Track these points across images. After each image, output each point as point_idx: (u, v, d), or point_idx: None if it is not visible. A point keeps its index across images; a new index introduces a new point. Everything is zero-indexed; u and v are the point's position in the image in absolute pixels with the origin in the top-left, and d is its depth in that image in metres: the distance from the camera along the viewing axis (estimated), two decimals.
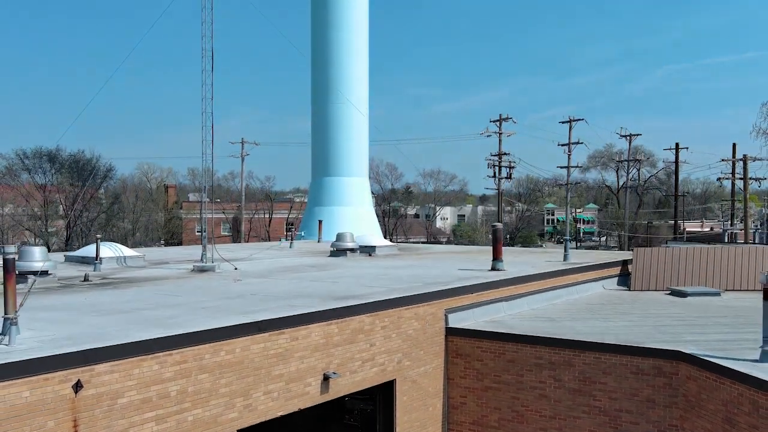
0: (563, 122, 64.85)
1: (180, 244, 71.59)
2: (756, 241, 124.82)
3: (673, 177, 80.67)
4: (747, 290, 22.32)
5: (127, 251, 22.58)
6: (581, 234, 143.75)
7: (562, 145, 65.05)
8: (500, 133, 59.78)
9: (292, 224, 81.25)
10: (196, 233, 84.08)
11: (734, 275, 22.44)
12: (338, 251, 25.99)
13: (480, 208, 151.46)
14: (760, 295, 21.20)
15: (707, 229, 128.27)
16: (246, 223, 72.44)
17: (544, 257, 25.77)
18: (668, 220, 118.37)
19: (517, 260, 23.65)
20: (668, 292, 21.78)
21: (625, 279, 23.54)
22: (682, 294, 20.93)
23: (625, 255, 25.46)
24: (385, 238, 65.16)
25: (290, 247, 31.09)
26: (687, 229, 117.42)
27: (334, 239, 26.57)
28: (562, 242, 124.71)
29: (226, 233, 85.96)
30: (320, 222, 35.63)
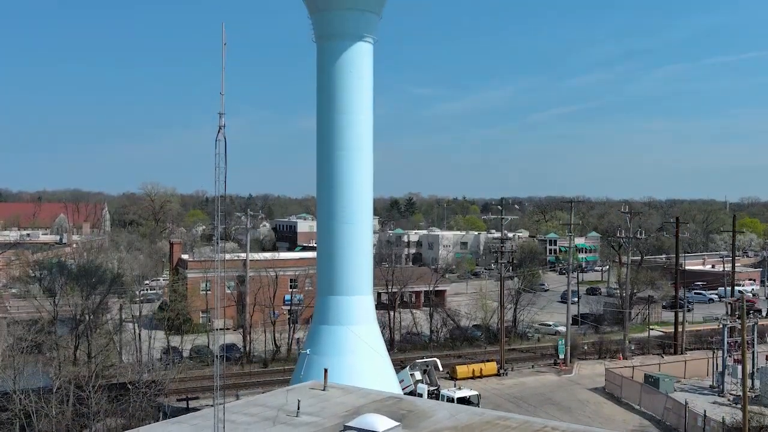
0: (566, 201, 65.50)
1: (187, 320, 71.65)
2: (760, 280, 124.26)
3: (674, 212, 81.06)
4: None
5: None
6: (583, 263, 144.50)
7: (565, 224, 65.66)
8: (502, 218, 60.34)
9: (296, 286, 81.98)
10: (201, 292, 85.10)
11: None
12: None
13: (482, 236, 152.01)
14: None
15: (709, 267, 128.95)
16: (250, 295, 72.89)
17: None
18: (670, 256, 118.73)
19: None
20: None
21: None
22: None
23: None
24: (385, 292, 66.61)
25: (297, 415, 31.77)
26: (688, 268, 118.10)
27: None
28: (564, 273, 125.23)
29: (230, 290, 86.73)
30: (326, 371, 36.20)
